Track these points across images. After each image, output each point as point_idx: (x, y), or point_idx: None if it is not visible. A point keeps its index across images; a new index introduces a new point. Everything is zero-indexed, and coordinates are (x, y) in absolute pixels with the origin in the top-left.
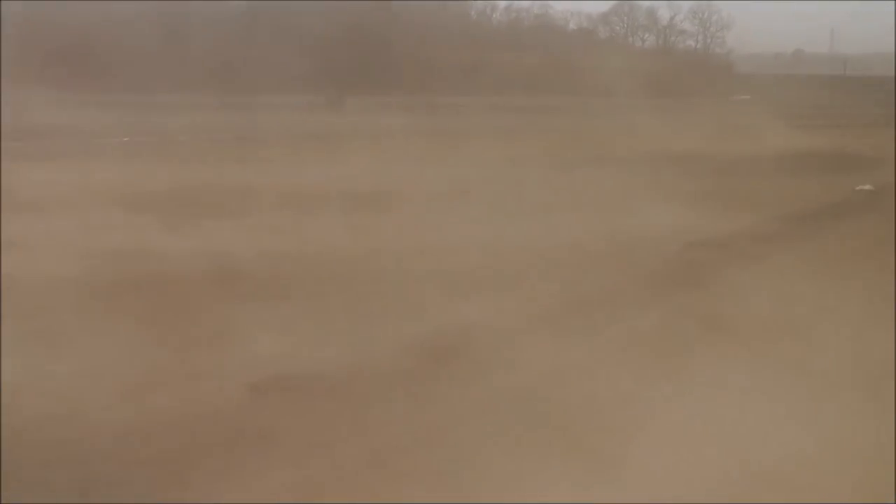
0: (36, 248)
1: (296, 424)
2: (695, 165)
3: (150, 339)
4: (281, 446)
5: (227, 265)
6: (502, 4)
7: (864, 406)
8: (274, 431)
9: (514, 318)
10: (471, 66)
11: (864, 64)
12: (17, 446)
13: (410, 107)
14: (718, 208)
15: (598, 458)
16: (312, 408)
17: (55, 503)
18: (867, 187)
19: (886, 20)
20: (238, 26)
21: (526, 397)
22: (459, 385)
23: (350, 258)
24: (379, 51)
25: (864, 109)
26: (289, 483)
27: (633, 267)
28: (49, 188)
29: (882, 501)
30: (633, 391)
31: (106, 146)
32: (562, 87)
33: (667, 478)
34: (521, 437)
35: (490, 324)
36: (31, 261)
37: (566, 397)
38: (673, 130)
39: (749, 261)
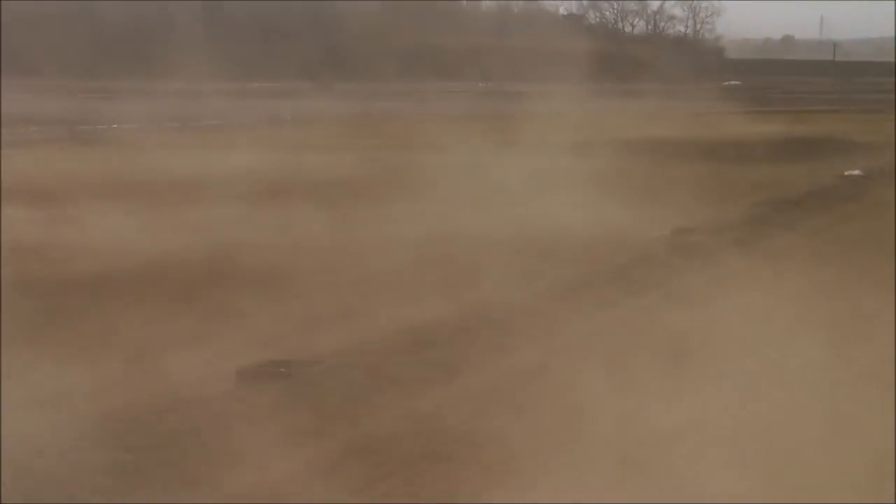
0: None
1: None
2: (679, 151)
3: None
4: None
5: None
6: None
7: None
8: None
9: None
10: (460, 53)
11: (853, 49)
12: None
13: (397, 92)
14: (702, 196)
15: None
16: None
17: (55, 503)
18: (856, 173)
19: (875, 6)
20: (227, 14)
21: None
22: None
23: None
24: (370, 38)
25: (852, 95)
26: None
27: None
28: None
29: (882, 502)
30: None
31: (95, 133)
32: (550, 74)
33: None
34: (503, 427)
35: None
36: None
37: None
38: (659, 115)
39: (732, 248)
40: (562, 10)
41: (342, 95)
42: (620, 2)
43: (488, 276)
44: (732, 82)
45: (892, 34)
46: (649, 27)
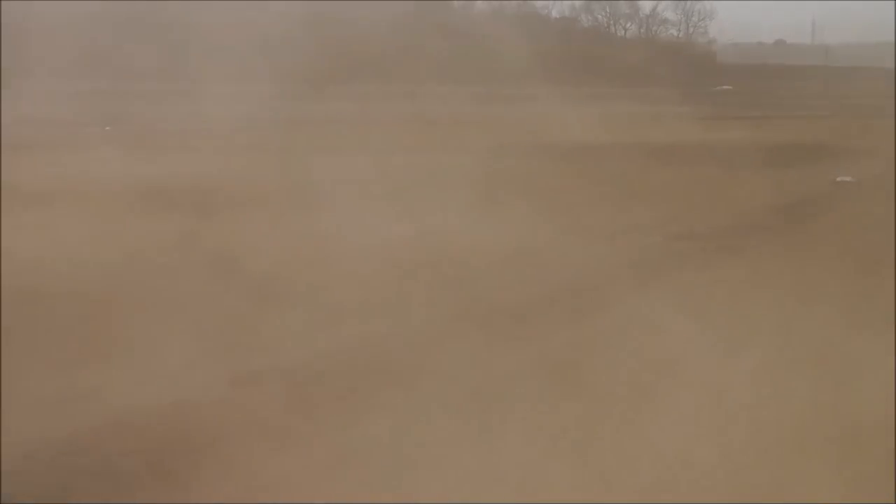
0: None
1: None
2: (666, 156)
3: None
4: None
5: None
6: None
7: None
8: None
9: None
10: (453, 56)
11: (847, 54)
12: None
13: (388, 95)
14: (692, 201)
15: None
16: None
17: (55, 503)
18: (847, 179)
19: (867, 10)
20: (218, 12)
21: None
22: None
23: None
24: (362, 39)
25: (845, 100)
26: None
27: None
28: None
29: (882, 501)
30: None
31: (87, 136)
32: (541, 77)
33: None
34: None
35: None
36: None
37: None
38: (649, 119)
39: (720, 255)
40: (554, 13)
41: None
42: (612, 1)
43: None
44: (724, 87)
45: (886, 39)
46: (642, 31)
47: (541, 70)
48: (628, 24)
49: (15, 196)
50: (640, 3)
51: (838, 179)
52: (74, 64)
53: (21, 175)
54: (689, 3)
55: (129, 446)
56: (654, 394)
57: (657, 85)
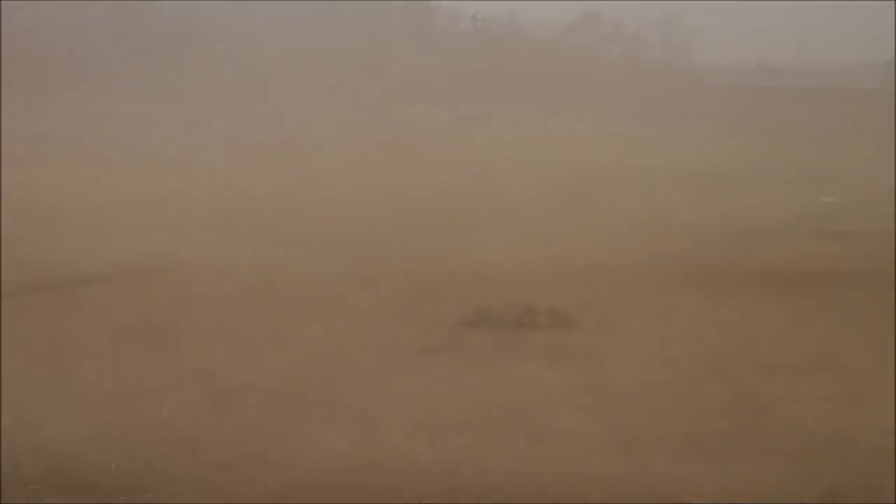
0: None
1: None
2: (650, 179)
3: None
4: None
5: None
6: (469, 11)
7: None
8: None
9: None
10: (438, 75)
11: (830, 76)
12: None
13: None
14: (669, 223)
15: None
16: None
17: (55, 503)
18: (830, 200)
19: (852, 33)
20: (214, 28)
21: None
22: None
23: None
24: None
25: (829, 122)
26: None
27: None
28: None
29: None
30: None
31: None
32: (532, 97)
33: None
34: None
35: None
36: None
37: None
38: (634, 140)
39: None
40: (538, 35)
41: None
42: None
43: None
44: (709, 108)
45: (871, 59)
46: (626, 53)
47: (523, 90)
48: (612, 47)
49: None
50: (624, 23)
51: (824, 200)
52: None
53: None
54: (673, 24)
55: None
56: None
57: (640, 105)
